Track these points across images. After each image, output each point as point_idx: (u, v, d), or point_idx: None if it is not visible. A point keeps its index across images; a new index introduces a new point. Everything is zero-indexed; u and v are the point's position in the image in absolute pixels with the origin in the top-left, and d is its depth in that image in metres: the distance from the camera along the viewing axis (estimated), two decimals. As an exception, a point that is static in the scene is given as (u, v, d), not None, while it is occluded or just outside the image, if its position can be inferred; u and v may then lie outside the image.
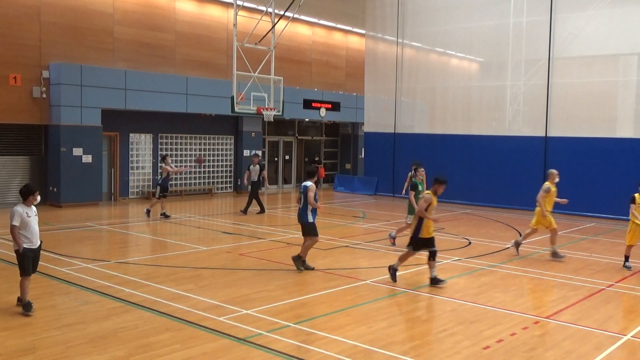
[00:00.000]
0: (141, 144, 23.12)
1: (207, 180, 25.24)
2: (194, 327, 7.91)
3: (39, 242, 8.63)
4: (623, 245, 12.84)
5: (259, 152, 25.16)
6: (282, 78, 20.37)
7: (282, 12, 19.45)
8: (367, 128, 27.29)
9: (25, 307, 8.38)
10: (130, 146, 22.68)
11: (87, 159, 20.30)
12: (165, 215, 18.01)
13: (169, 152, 23.74)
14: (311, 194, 11.19)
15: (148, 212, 18.18)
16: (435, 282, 10.36)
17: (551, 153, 21.13)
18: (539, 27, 21.53)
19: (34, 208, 8.58)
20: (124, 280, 10.35)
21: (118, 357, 6.85)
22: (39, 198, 8.71)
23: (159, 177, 19.27)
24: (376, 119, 26.67)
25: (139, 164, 23.05)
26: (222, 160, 25.70)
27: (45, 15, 19.91)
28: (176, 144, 24.09)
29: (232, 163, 26.00)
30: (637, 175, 19.14)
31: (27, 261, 8.45)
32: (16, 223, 8.31)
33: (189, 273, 11.05)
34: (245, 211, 19.24)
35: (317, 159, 29.83)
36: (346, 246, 14.04)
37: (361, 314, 8.78)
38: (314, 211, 11.37)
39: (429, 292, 10.09)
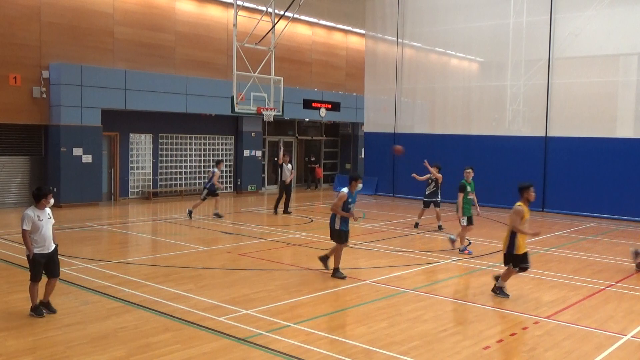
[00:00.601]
0: (141, 144, 23.12)
1: (207, 181, 25.19)
2: (194, 327, 7.91)
3: (52, 247, 8.31)
4: (623, 246, 12.83)
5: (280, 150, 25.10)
6: (282, 78, 20.39)
7: (282, 12, 19.46)
8: (367, 128, 27.29)
9: (35, 310, 8.22)
10: (130, 146, 22.68)
11: (87, 159, 20.29)
12: (217, 215, 18.20)
13: (171, 152, 23.76)
14: (337, 201, 10.77)
15: (190, 213, 18.02)
16: (499, 292, 9.80)
17: (551, 153, 21.15)
18: (538, 27, 21.53)
19: (47, 211, 8.30)
20: (124, 280, 10.35)
21: (118, 357, 6.85)
22: (52, 201, 8.43)
23: (207, 181, 18.87)
24: (376, 119, 26.67)
25: (139, 164, 23.05)
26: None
27: (45, 15, 19.91)
28: (176, 144, 24.09)
29: (232, 163, 26.00)
30: (637, 175, 19.20)
31: (37, 267, 8.17)
32: (27, 227, 8.06)
33: (189, 273, 11.05)
34: (286, 210, 19.36)
35: (313, 159, 29.79)
36: (346, 246, 14.01)
37: (361, 314, 8.78)
38: (344, 218, 10.86)
39: (428, 292, 10.08)
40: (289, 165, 19.76)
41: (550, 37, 21.17)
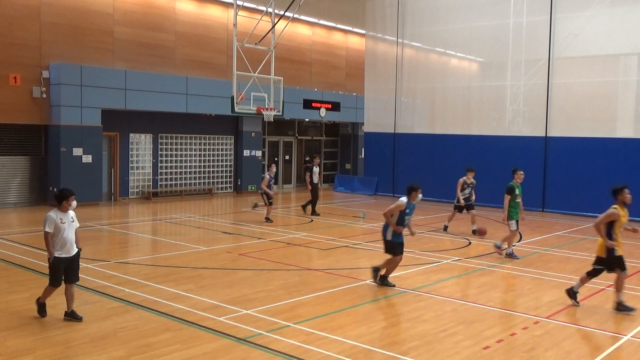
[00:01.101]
0: (141, 144, 23.12)
1: (207, 180, 25.24)
2: (194, 327, 7.91)
3: (74, 251, 8.16)
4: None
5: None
6: (282, 78, 20.39)
7: (282, 12, 19.46)
8: (367, 128, 27.29)
9: (40, 309, 8.18)
10: (130, 146, 22.69)
11: (87, 159, 20.29)
12: (268, 220, 17.54)
13: (172, 152, 23.76)
14: (392, 208, 10.07)
15: (267, 219, 17.53)
16: (622, 308, 8.98)
17: (551, 153, 21.14)
18: (538, 27, 21.52)
19: (70, 214, 8.16)
20: (124, 280, 10.35)
21: (118, 357, 6.85)
22: (74, 203, 8.25)
23: (263, 186, 17.93)
24: (376, 119, 26.67)
25: (139, 164, 23.05)
26: (222, 161, 25.70)
27: (45, 15, 19.91)
28: (176, 144, 24.09)
29: (232, 163, 26.00)
30: (637, 175, 19.18)
31: (58, 271, 8.01)
32: (49, 230, 7.92)
33: (189, 273, 11.05)
34: (314, 212, 19.19)
35: (307, 158, 29.75)
36: (346, 246, 14.04)
37: (361, 314, 8.78)
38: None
39: (428, 292, 10.08)
40: (317, 169, 19.78)
41: (550, 37, 21.17)
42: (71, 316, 8.12)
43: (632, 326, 8.41)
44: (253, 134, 26.07)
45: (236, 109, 18.97)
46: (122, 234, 15.42)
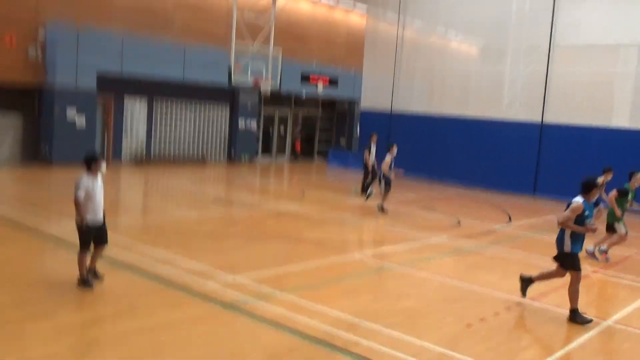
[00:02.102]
0: (135, 109, 22.96)
1: (200, 149, 25.13)
2: (180, 292, 7.95)
3: (102, 215, 7.99)
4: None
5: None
6: (281, 48, 20.14)
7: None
8: (364, 106, 27.21)
9: (84, 282, 7.80)
10: (124, 111, 22.53)
11: (81, 121, 20.16)
12: (382, 209, 15.27)
13: (166, 118, 23.62)
14: (569, 213, 7.99)
15: (382, 209, 15.24)
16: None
17: (546, 139, 21.16)
18: (540, 13, 21.39)
19: (99, 178, 8.01)
20: (112, 241, 10.34)
21: (102, 316, 6.89)
22: (104, 166, 8.05)
23: (378, 168, 16.19)
24: (373, 98, 26.56)
25: (132, 128, 22.92)
26: (216, 130, 25.58)
27: (44, -27, 19.60)
28: (171, 110, 23.94)
29: (227, 133, 25.89)
30: (632, 165, 19.23)
31: (88, 235, 7.83)
32: (81, 194, 7.73)
33: (178, 237, 11.07)
34: (364, 190, 17.58)
35: (299, 129, 29.61)
36: (337, 219, 14.08)
37: (348, 287, 8.85)
38: (579, 238, 8.12)
39: (416, 269, 10.16)
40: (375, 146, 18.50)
41: (552, 25, 21.06)
42: (93, 274, 8.01)
43: (612, 312, 8.50)
44: (249, 104, 25.91)
45: (232, 80, 18.82)
46: (113, 196, 15.39)
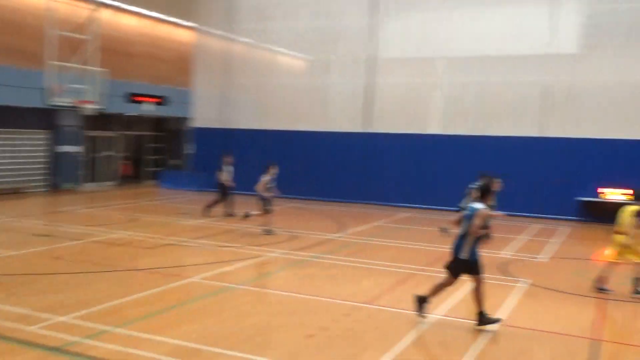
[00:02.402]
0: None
1: (15, 179, 22.97)
2: (1, 340, 7.19)
3: None
4: (433, 232, 13.90)
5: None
6: (106, 70, 19.18)
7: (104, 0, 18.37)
8: (196, 123, 26.81)
9: None
10: None
11: None
12: (268, 232, 15.08)
13: None
14: (477, 221, 8.04)
15: (268, 231, 15.05)
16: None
17: (372, 148, 22.36)
18: (363, 28, 22.74)
19: None
20: None
21: None
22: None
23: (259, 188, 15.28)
24: (205, 114, 26.29)
25: None
26: (34, 157, 23.58)
27: None
28: (-21, 139, 21.70)
29: (46, 160, 23.99)
30: (444, 167, 21.03)
31: None
32: None
33: (-5, 281, 10.02)
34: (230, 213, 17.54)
35: (127, 152, 28.53)
36: (172, 244, 13.67)
37: (188, 312, 8.61)
38: (478, 244, 8.23)
39: (256, 286, 10.17)
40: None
41: (374, 39, 22.45)
42: None
43: (442, 305, 9.15)
44: (70, 128, 24.25)
45: (50, 102, 17.55)
46: None
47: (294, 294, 9.72)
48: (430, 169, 21.51)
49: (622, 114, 19.12)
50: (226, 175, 17.95)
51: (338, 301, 9.34)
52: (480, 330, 8.08)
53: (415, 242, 14.86)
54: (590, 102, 19.51)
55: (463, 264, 8.15)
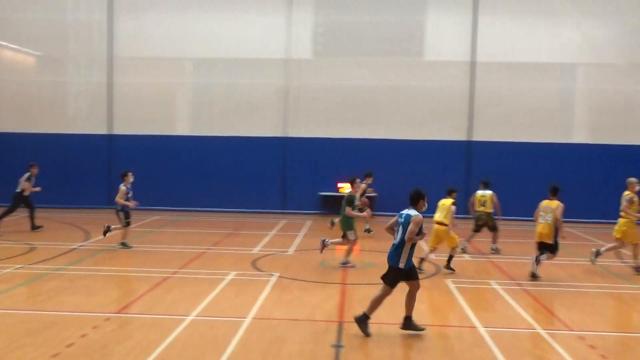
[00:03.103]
0: None
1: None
2: None
3: None
4: (186, 234, 13.81)
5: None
6: None
7: None
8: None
9: None
10: None
11: None
12: (124, 245, 13.86)
13: None
14: (413, 227, 7.86)
15: (124, 244, 13.85)
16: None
17: (116, 152, 21.25)
18: (98, 24, 21.49)
19: None
20: None
21: None
22: None
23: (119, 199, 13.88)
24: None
25: None
26: None
27: None
28: None
29: None
30: (232, 169, 20.81)
31: None
32: None
33: None
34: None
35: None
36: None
37: None
38: (412, 252, 8.04)
39: (-13, 307, 9.02)
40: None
41: (109, 36, 21.34)
42: None
43: (194, 307, 9.14)
44: None
45: None
46: None
47: (37, 311, 8.84)
48: (177, 170, 21.26)
49: (351, 115, 21.09)
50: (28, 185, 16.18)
51: (87, 314, 8.75)
52: (234, 328, 8.26)
53: (168, 245, 14.60)
54: (326, 103, 21.16)
55: (401, 273, 8.03)
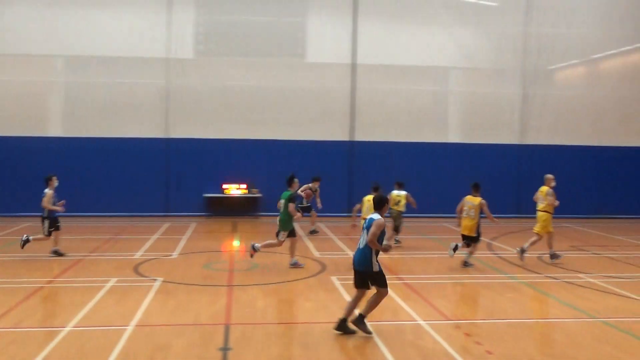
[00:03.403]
0: None
1: None
2: None
3: None
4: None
5: None
6: None
7: None
8: None
9: None
10: None
11: None
12: (57, 253, 13.21)
13: None
14: (375, 230, 8.01)
15: (56, 252, 13.18)
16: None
17: None
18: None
19: None
20: None
21: None
22: None
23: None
24: None
25: None
26: None
27: None
28: None
29: None
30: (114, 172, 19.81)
31: None
32: None
33: None
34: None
35: None
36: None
37: None
38: (377, 255, 8.17)
39: None
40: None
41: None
42: None
43: (70, 318, 8.65)
44: None
45: None
46: None
47: None
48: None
49: (236, 115, 20.92)
50: None
51: (-52, 331, 8.02)
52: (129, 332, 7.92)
53: (42, 254, 13.66)
54: (209, 104, 20.81)
55: (375, 275, 8.14)
